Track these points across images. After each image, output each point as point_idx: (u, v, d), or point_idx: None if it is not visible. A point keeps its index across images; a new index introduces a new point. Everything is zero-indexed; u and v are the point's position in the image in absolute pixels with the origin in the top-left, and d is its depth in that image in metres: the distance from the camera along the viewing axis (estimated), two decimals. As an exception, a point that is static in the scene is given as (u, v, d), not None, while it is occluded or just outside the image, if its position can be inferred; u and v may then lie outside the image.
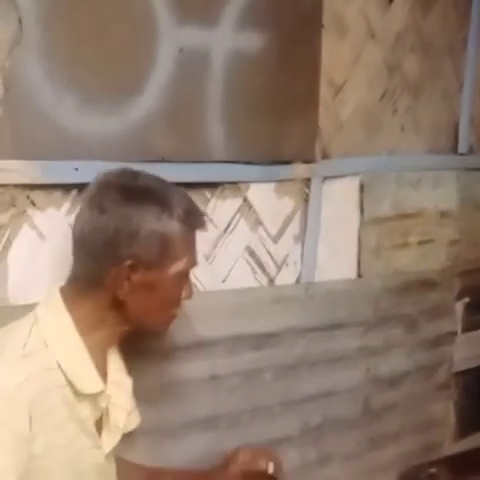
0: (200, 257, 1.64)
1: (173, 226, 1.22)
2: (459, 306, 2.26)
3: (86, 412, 1.23)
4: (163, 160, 1.53)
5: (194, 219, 1.28)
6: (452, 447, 2.31)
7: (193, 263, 1.32)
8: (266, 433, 1.80)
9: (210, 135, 1.61)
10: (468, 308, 2.29)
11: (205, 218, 1.33)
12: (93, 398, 1.24)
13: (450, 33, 2.09)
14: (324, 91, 1.80)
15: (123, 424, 1.32)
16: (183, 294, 1.32)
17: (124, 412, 1.32)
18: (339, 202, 1.91)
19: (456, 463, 2.24)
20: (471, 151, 2.24)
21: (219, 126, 1.62)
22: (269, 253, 1.79)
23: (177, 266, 1.25)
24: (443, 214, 2.17)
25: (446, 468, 2.19)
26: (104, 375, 1.29)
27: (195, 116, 1.58)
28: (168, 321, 1.35)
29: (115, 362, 1.34)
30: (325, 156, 1.84)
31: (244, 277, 1.76)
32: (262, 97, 1.68)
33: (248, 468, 1.49)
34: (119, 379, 1.33)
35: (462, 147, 2.21)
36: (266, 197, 1.75)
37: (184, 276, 1.30)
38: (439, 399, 2.25)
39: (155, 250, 1.21)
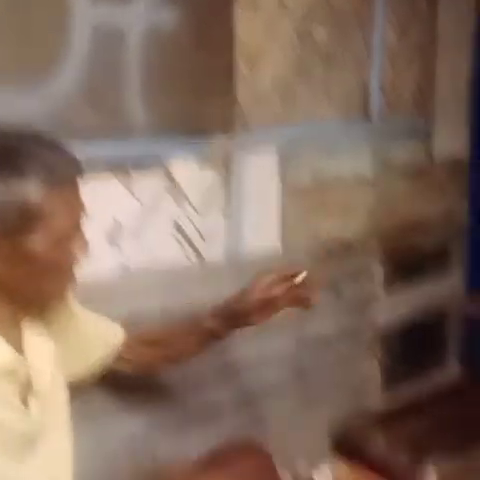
0: (127, 234, 1.67)
1: (28, 188, 1.11)
2: (380, 270, 2.35)
3: (6, 388, 1.18)
4: (85, 138, 1.52)
5: (59, 173, 1.15)
6: (380, 403, 2.40)
7: (74, 217, 1.20)
8: (201, 402, 1.86)
9: (130, 112, 1.61)
10: (388, 272, 2.37)
11: (76, 167, 1.18)
12: (10, 373, 1.19)
13: (358, 2, 2.13)
14: (241, 65, 1.82)
15: (47, 386, 1.27)
16: (76, 250, 1.22)
17: (45, 375, 1.27)
18: (260, 174, 1.94)
19: (384, 418, 2.34)
20: (382, 119, 2.31)
21: (139, 103, 1.62)
22: (195, 227, 1.80)
23: (51, 227, 1.15)
24: (360, 181, 2.24)
25: (375, 423, 2.28)
26: (20, 350, 1.24)
27: (114, 94, 1.58)
28: (65, 283, 1.27)
29: (29, 329, 1.28)
30: (245, 129, 1.87)
31: (172, 252, 1.77)
32: (180, 73, 1.69)
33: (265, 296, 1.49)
34: (33, 344, 1.27)
35: (373, 115, 2.27)
36: (189, 172, 1.77)
37: (68, 234, 1.19)
38: (365, 359, 2.34)
39: (12, 217, 1.11)
